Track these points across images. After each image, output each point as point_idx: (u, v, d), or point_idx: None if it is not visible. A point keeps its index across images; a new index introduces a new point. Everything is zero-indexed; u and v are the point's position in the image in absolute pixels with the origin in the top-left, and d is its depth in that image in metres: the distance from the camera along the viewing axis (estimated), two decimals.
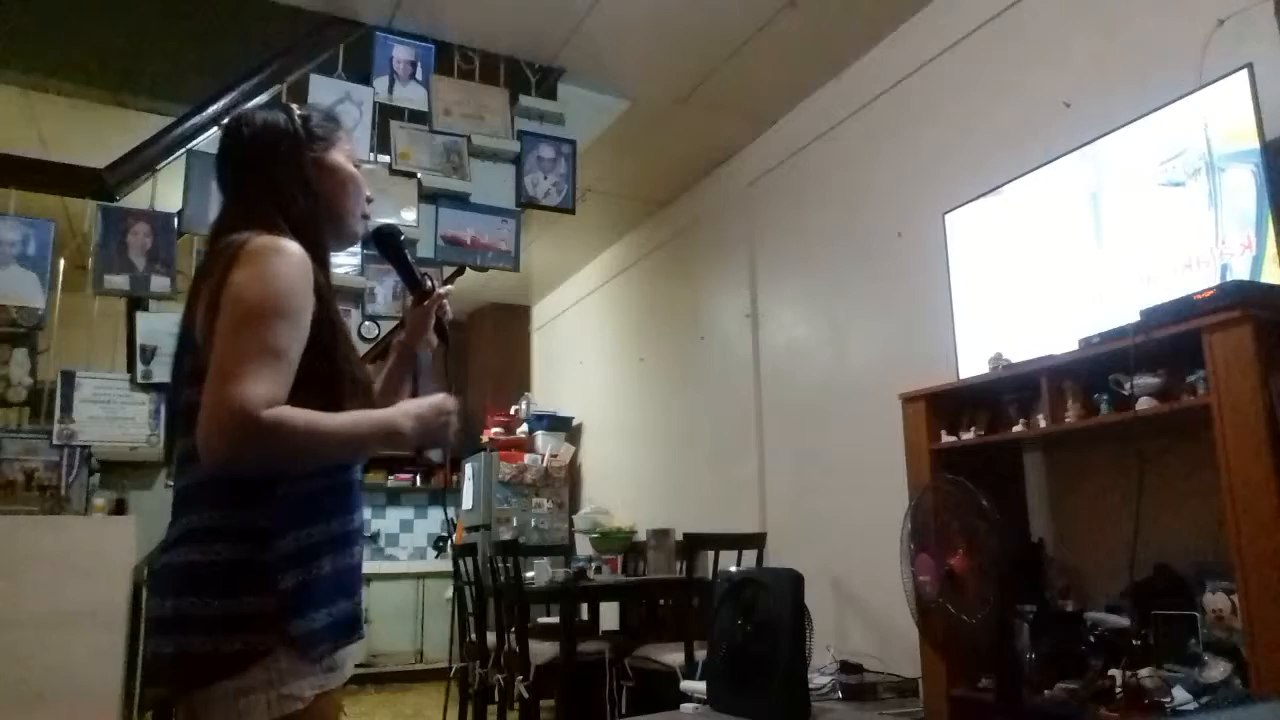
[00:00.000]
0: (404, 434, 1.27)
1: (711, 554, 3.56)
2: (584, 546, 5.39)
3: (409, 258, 1.56)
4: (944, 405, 2.71)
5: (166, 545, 1.21)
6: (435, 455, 1.47)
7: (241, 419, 1.09)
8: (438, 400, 1.34)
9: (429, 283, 1.56)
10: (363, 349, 3.33)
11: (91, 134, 3.82)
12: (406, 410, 1.29)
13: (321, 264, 1.29)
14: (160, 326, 3.13)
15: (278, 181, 1.31)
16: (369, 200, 1.45)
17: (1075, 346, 2.28)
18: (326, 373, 1.23)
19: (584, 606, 4.58)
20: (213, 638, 1.13)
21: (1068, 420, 2.30)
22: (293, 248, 1.22)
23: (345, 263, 3.29)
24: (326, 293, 1.27)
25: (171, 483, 1.28)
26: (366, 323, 3.32)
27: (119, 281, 3.16)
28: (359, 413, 1.23)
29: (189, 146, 3.25)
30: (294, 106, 1.40)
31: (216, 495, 1.19)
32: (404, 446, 1.31)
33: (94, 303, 3.25)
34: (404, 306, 1.61)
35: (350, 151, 1.43)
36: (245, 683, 1.13)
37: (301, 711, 1.16)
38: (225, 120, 1.37)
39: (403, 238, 1.56)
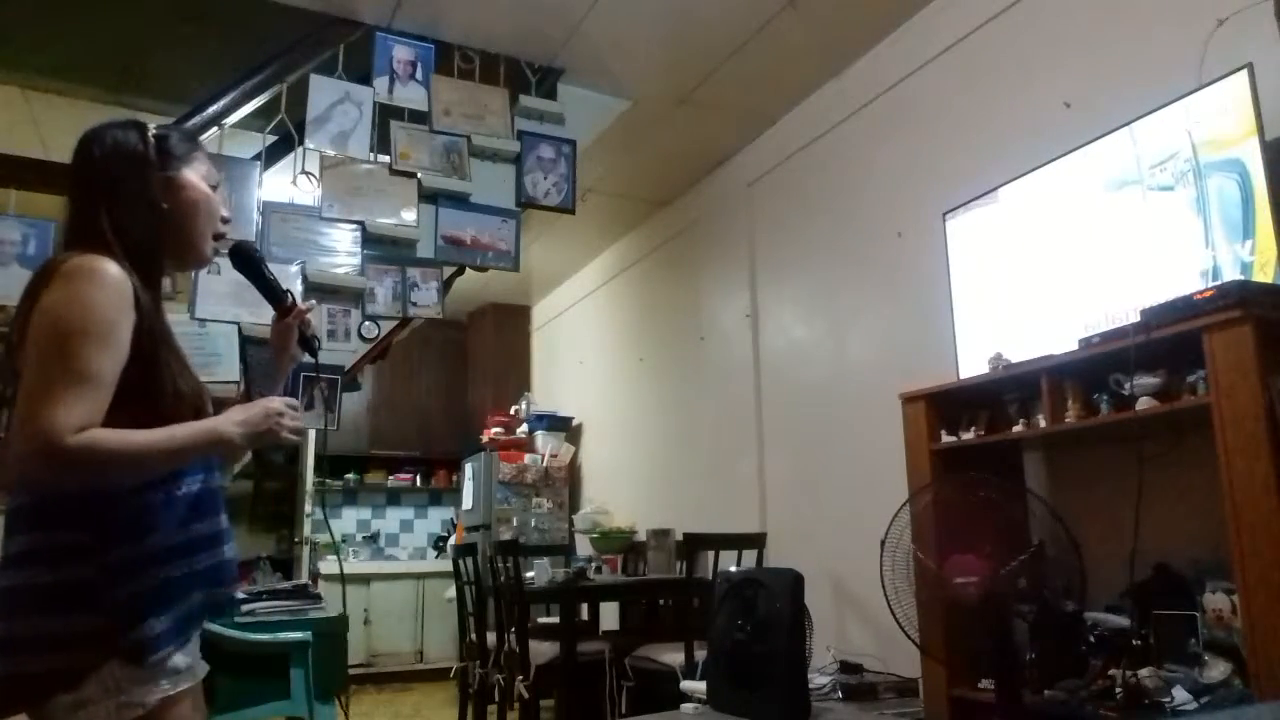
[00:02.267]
0: (229, 439, 1.29)
1: (711, 554, 3.57)
2: (584, 546, 5.39)
3: (268, 273, 1.59)
4: (944, 405, 2.72)
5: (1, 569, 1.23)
6: (275, 456, 1.52)
7: (50, 446, 1.12)
8: (265, 403, 1.36)
9: (290, 299, 1.60)
10: (362, 349, 3.33)
11: None
12: (232, 417, 1.31)
13: (151, 282, 1.32)
14: None
15: (119, 199, 1.32)
16: (225, 221, 1.48)
17: (1075, 346, 2.28)
18: (145, 387, 1.25)
19: (584, 606, 4.59)
20: (41, 657, 1.16)
21: (1068, 420, 2.30)
22: (107, 267, 1.23)
23: (345, 263, 3.29)
24: (149, 308, 1.29)
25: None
26: (366, 323, 3.31)
27: None
28: (179, 425, 1.25)
29: None
30: (150, 125, 1.41)
31: (40, 518, 1.21)
32: (234, 450, 1.35)
33: None
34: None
35: (206, 172, 1.44)
36: (82, 695, 1.15)
37: (143, 717, 1.19)
38: (81, 136, 1.38)
39: (259, 254, 1.60)
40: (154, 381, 1.27)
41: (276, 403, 1.37)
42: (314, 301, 1.73)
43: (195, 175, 1.41)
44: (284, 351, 1.59)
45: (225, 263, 1.60)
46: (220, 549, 1.35)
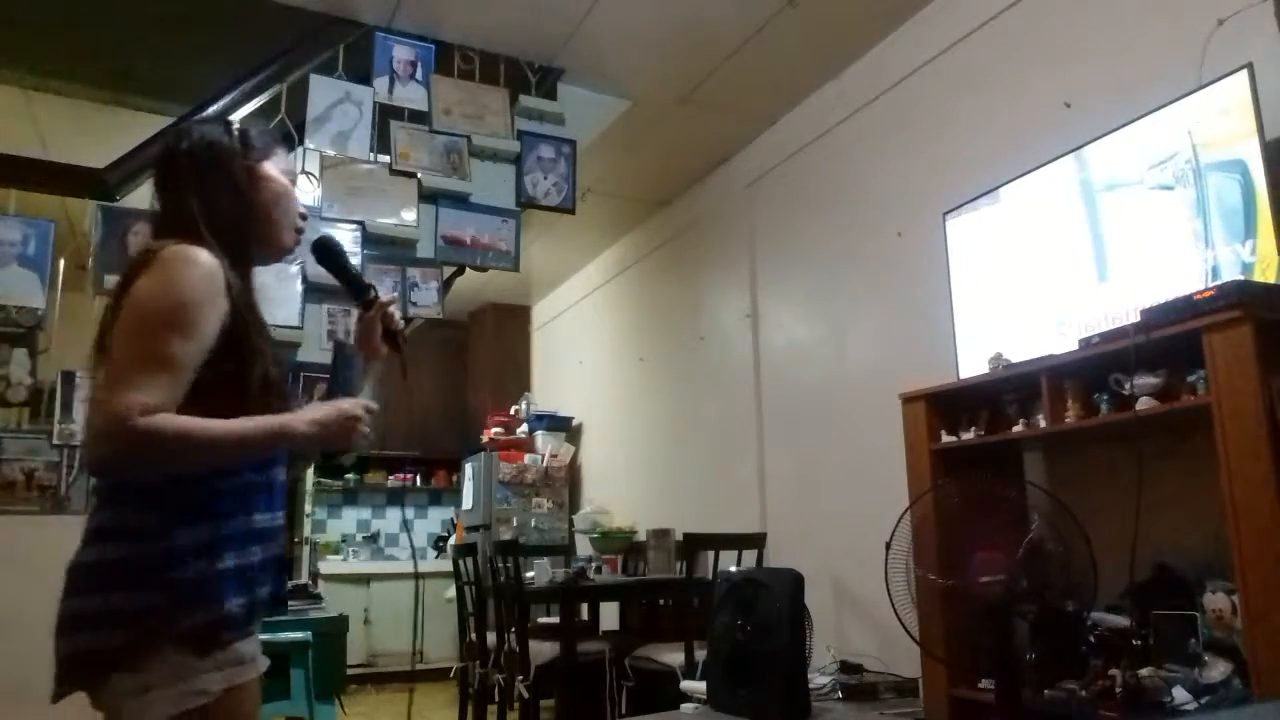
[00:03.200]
0: (297, 437, 1.28)
1: (711, 554, 3.56)
2: (584, 546, 5.39)
3: (350, 267, 1.58)
4: (944, 405, 2.72)
5: (79, 547, 1.24)
6: (345, 459, 1.46)
7: (116, 426, 1.12)
8: (343, 405, 1.35)
9: (373, 292, 1.57)
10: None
11: (91, 134, 3.82)
12: (305, 415, 1.30)
13: (242, 268, 1.33)
14: None
15: (206, 189, 1.34)
16: (303, 217, 1.49)
17: (1075, 346, 2.28)
18: (234, 373, 1.26)
19: (584, 606, 4.58)
20: (102, 633, 1.17)
21: (1068, 420, 2.30)
22: (201, 256, 1.24)
23: None
24: (241, 296, 1.29)
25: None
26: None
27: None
28: (249, 418, 1.24)
29: None
30: (233, 121, 1.44)
31: (116, 496, 1.23)
32: (301, 448, 1.34)
33: (94, 303, 3.24)
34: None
35: (286, 167, 1.46)
36: (146, 679, 1.16)
37: (207, 706, 1.18)
38: (167, 132, 1.40)
39: (340, 247, 1.58)
40: (247, 369, 1.27)
41: (350, 405, 1.36)
42: (395, 295, 1.71)
43: (275, 168, 1.43)
44: (368, 346, 1.57)
45: None
46: (281, 541, 1.36)
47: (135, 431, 1.12)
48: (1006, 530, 2.15)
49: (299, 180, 1.52)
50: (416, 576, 5.88)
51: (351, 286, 1.57)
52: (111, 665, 1.16)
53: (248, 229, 1.37)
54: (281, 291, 3.10)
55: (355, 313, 1.62)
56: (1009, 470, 2.73)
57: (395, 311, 1.58)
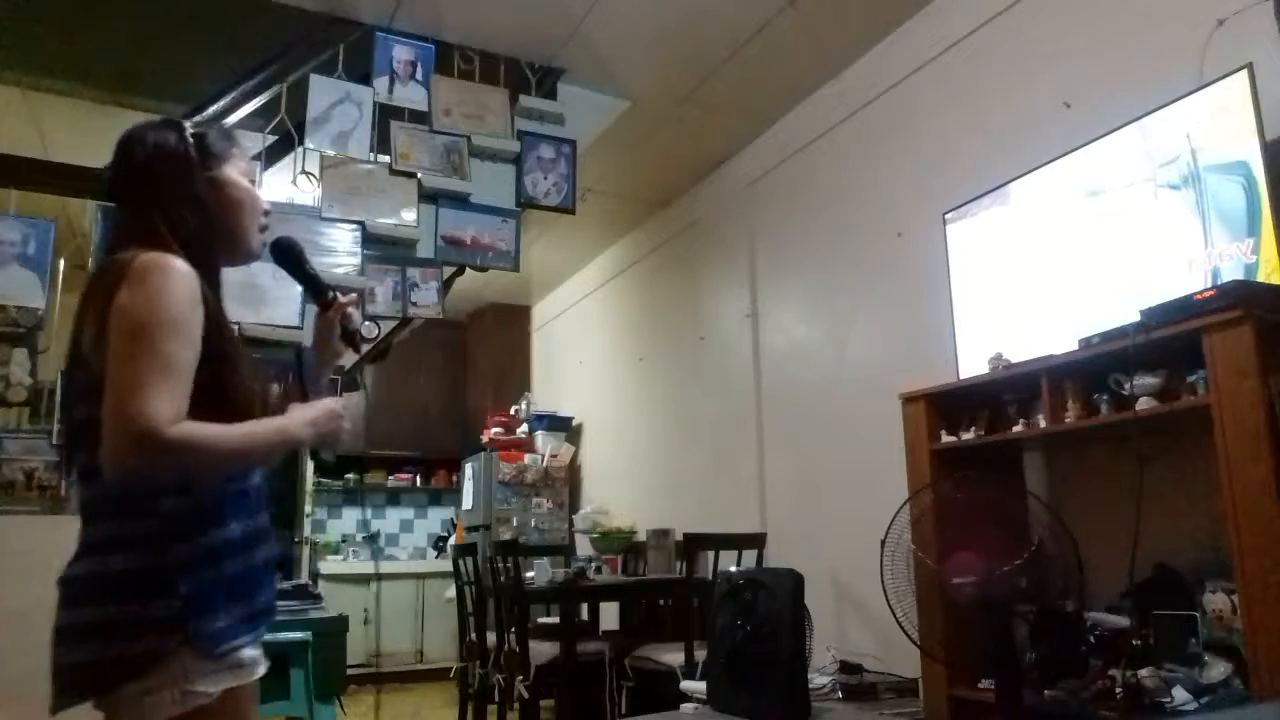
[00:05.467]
0: (300, 439, 1.33)
1: (711, 554, 3.56)
2: (584, 546, 5.39)
3: (309, 268, 1.57)
4: (944, 405, 2.72)
5: (73, 558, 1.25)
6: (327, 455, 1.51)
7: (149, 437, 1.13)
8: (329, 405, 1.40)
9: (331, 294, 1.57)
10: (363, 349, 3.33)
11: (91, 134, 3.80)
12: (301, 418, 1.35)
13: (211, 280, 1.33)
14: None
15: (165, 200, 1.33)
16: (266, 214, 1.47)
17: (1075, 346, 2.29)
18: (219, 383, 1.27)
19: (584, 606, 4.58)
20: (116, 644, 1.17)
21: (1068, 420, 2.30)
22: (178, 264, 1.25)
23: (345, 263, 3.29)
24: (215, 307, 1.30)
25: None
26: (367, 323, 3.31)
27: None
28: (257, 423, 1.28)
29: None
30: (187, 124, 1.42)
31: (113, 507, 1.23)
32: (299, 448, 1.38)
33: None
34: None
35: (246, 169, 1.45)
36: (149, 682, 1.17)
37: (207, 708, 1.19)
38: (120, 138, 1.38)
39: (299, 248, 1.56)
40: (229, 378, 1.28)
41: (335, 403, 1.40)
42: (355, 295, 1.70)
43: (235, 172, 1.42)
44: (325, 347, 1.57)
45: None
46: (273, 543, 1.38)
47: (168, 441, 1.14)
48: (1005, 530, 2.15)
49: (258, 178, 1.50)
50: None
51: (310, 288, 1.57)
52: (125, 675, 1.16)
53: (214, 240, 1.37)
54: (280, 291, 3.09)
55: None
56: (1009, 470, 2.73)
57: (354, 312, 1.59)
